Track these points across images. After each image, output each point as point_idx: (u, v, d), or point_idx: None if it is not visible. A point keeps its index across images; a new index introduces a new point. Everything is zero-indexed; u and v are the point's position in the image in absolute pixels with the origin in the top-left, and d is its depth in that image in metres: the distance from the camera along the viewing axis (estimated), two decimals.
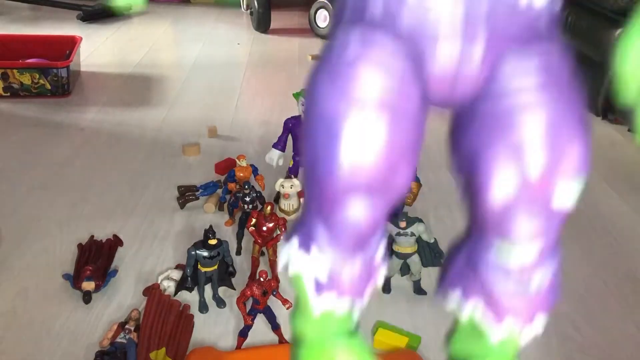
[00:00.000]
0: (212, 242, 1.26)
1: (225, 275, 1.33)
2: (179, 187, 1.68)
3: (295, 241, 0.37)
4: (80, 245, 1.43)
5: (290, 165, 1.62)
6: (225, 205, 1.60)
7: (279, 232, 1.35)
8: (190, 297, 1.30)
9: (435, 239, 1.37)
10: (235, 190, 1.55)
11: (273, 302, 1.21)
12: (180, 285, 1.30)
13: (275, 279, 1.24)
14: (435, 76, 0.31)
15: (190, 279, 1.28)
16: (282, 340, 1.21)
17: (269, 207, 1.33)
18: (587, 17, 2.37)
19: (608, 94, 2.28)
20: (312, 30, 3.33)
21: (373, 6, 0.30)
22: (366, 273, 0.38)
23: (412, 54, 0.30)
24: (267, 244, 1.36)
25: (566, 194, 0.33)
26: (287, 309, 1.23)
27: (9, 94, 2.33)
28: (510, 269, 0.35)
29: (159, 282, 1.32)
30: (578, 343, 1.21)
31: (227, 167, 1.77)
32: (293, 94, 1.60)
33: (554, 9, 0.31)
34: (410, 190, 1.67)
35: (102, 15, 3.47)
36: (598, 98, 2.29)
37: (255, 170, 1.61)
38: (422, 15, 0.29)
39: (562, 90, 0.29)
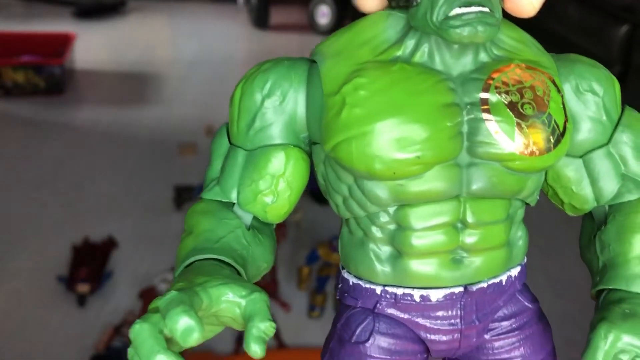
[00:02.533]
0: None
1: None
2: (175, 188, 1.66)
3: None
4: (74, 247, 1.40)
5: None
6: None
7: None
8: None
9: None
10: None
11: (272, 306, 1.19)
12: None
13: (274, 282, 1.22)
14: (440, 351, 0.38)
15: None
16: (281, 345, 1.19)
17: None
18: (593, 13, 2.35)
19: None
20: (311, 26, 3.30)
21: (382, 299, 0.36)
22: None
23: (417, 339, 0.37)
24: None
25: None
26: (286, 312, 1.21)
27: (2, 92, 2.30)
28: None
29: (155, 284, 1.30)
30: (584, 346, 1.19)
31: None
32: None
33: (524, 277, 0.39)
34: None
35: (97, 11, 3.43)
36: None
37: None
38: (427, 314, 0.36)
39: (536, 342, 0.38)
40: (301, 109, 0.35)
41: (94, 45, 2.93)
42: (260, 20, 3.35)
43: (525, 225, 0.38)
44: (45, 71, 2.29)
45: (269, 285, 1.23)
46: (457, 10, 0.30)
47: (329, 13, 3.24)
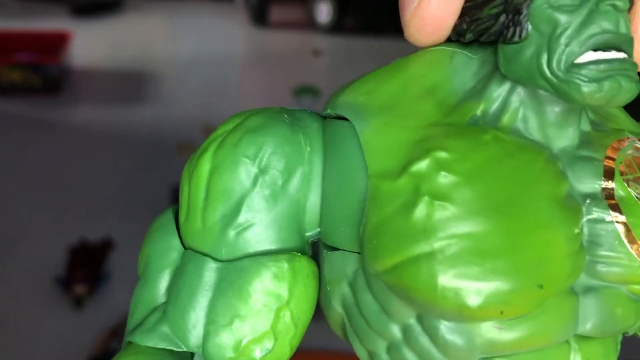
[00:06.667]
0: None
1: None
2: (173, 188, 1.65)
3: None
4: (71, 248, 1.39)
5: None
6: None
7: None
8: None
9: None
10: None
11: None
12: None
13: None
14: None
15: None
16: None
17: None
18: None
19: None
20: (311, 24, 3.29)
21: None
22: None
23: None
24: None
25: None
26: None
27: None
28: None
29: None
30: None
31: None
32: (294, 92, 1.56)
33: None
34: None
35: (94, 9, 3.42)
36: None
37: None
38: None
39: None
40: (315, 195, 0.22)
41: (91, 44, 2.92)
42: (259, 18, 3.34)
43: None
44: (42, 70, 2.28)
45: None
46: (591, 56, 0.19)
47: (329, 11, 3.22)
